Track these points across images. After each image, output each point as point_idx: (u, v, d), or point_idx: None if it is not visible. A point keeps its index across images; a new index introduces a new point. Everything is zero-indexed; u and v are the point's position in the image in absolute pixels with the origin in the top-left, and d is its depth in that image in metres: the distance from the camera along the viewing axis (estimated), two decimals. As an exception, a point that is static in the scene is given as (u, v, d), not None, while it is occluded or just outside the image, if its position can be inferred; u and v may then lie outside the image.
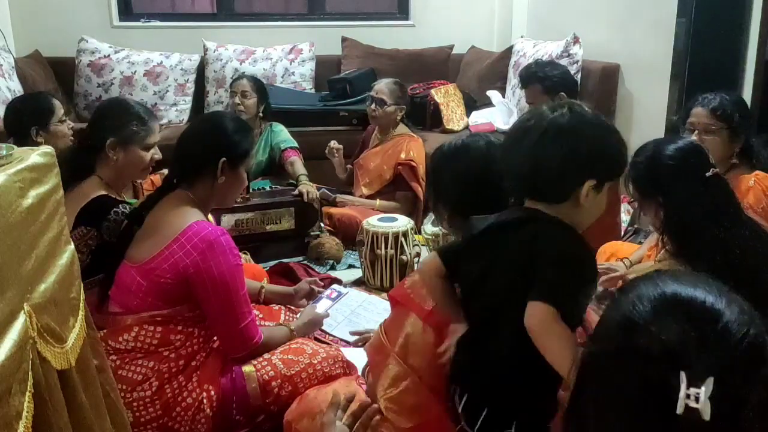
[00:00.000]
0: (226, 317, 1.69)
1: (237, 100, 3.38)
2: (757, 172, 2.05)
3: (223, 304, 1.67)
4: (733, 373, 0.73)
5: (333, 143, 3.44)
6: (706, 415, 0.69)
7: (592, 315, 1.64)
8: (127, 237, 1.76)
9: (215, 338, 1.78)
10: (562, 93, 2.67)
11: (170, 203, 1.74)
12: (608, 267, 2.25)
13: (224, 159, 1.76)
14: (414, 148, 3.30)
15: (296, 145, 3.46)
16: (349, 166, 3.56)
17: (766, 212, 1.94)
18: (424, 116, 4.14)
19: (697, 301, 0.77)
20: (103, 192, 1.96)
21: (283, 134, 3.49)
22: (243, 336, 1.72)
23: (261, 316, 2.01)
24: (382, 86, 3.34)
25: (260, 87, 3.48)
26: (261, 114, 3.45)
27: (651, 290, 0.80)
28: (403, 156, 3.27)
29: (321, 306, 2.36)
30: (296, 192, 3.09)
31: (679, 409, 0.70)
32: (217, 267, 1.64)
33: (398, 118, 3.37)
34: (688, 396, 0.70)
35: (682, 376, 0.71)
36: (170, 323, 1.68)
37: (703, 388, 0.70)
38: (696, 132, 2.17)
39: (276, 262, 2.85)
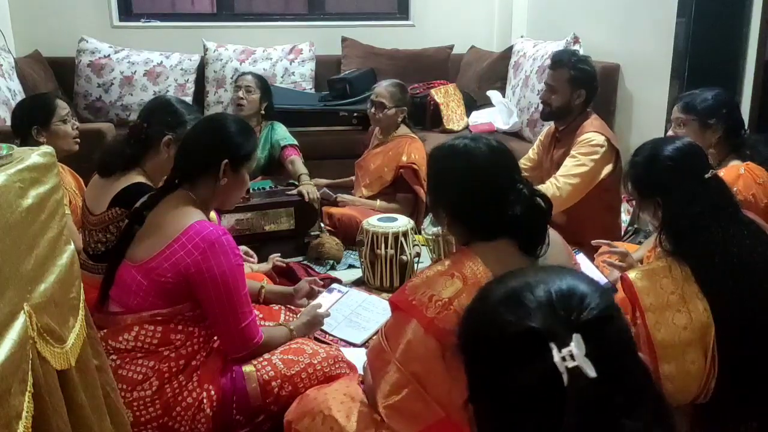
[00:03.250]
0: (227, 317, 1.69)
1: (241, 94, 3.40)
2: (748, 162, 2.09)
3: (224, 303, 1.67)
4: (596, 330, 0.75)
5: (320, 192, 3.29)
6: (592, 371, 0.71)
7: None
8: (128, 237, 1.76)
9: (215, 338, 1.78)
10: (583, 90, 2.66)
11: (172, 203, 1.74)
12: (608, 242, 2.26)
13: (227, 160, 1.76)
14: (415, 150, 3.29)
15: (296, 142, 3.46)
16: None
17: (756, 200, 1.97)
18: (424, 116, 4.14)
19: (544, 283, 0.80)
20: (142, 180, 2.02)
21: (282, 132, 3.49)
22: (244, 336, 1.72)
23: (261, 316, 2.01)
24: (382, 89, 3.33)
25: (264, 85, 3.50)
26: (263, 112, 3.46)
27: (497, 288, 0.83)
28: (404, 159, 3.26)
29: (328, 299, 2.36)
30: (296, 192, 3.09)
31: (564, 377, 0.71)
32: (219, 267, 1.64)
33: (399, 119, 3.36)
34: (563, 359, 0.71)
35: (552, 345, 0.73)
36: (170, 323, 1.68)
37: (572, 344, 0.72)
38: (672, 128, 2.28)
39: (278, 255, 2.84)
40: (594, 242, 2.32)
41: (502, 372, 0.79)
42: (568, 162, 2.62)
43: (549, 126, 2.94)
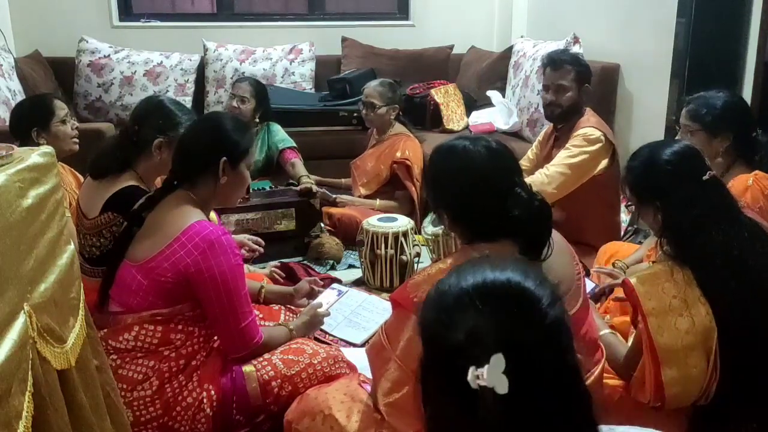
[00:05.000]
0: (227, 317, 1.69)
1: (234, 103, 3.34)
2: (756, 171, 2.05)
3: (224, 303, 1.67)
4: (529, 347, 0.77)
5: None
6: (502, 389, 0.73)
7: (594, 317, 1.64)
8: (127, 238, 1.76)
9: (216, 338, 1.78)
10: (588, 85, 2.67)
11: (172, 203, 1.74)
12: (609, 272, 2.25)
13: (225, 158, 1.76)
14: (410, 147, 3.30)
15: (294, 144, 3.46)
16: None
17: (763, 212, 1.94)
18: (424, 116, 4.14)
19: (489, 283, 0.82)
20: (134, 183, 2.00)
21: (280, 133, 3.48)
22: (244, 336, 1.72)
23: (261, 316, 2.00)
24: (371, 90, 3.34)
25: (260, 92, 3.42)
26: (257, 120, 3.41)
27: (452, 285, 0.84)
28: (398, 155, 3.27)
29: (327, 297, 2.37)
30: (299, 189, 3.09)
31: (480, 392, 0.74)
32: (218, 266, 1.64)
33: (392, 117, 3.37)
34: (477, 377, 0.74)
35: (472, 361, 0.75)
36: (170, 322, 1.68)
37: (486, 367, 0.74)
38: (680, 132, 2.21)
39: (276, 262, 2.85)
40: (594, 270, 2.32)
41: (429, 368, 0.84)
42: (561, 153, 2.63)
43: (548, 126, 2.94)
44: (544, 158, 2.85)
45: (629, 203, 1.81)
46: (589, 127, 2.63)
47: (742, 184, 1.99)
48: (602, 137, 2.61)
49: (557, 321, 0.80)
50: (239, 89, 3.38)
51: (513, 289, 0.81)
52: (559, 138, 2.79)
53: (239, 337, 1.71)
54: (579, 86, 2.65)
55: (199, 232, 1.65)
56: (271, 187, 3.30)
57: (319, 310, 2.04)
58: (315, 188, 3.09)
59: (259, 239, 2.51)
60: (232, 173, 1.79)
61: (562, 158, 2.61)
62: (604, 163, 2.64)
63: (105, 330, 1.67)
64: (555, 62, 2.69)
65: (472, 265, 0.86)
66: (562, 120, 2.76)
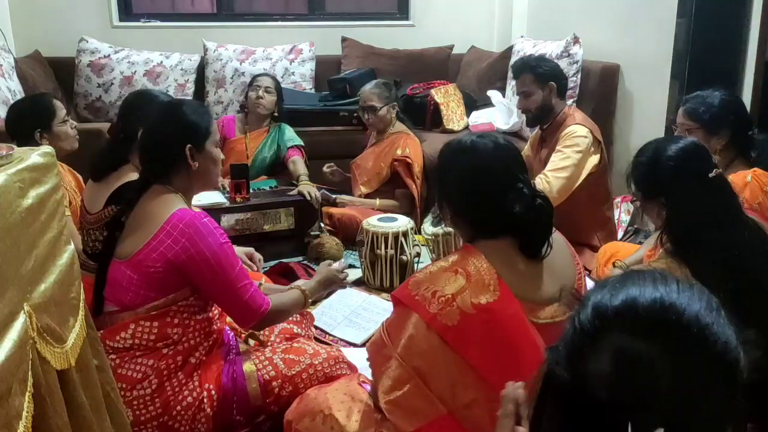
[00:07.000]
0: (229, 293, 1.69)
1: (260, 93, 3.45)
2: (755, 168, 2.06)
3: (222, 282, 1.67)
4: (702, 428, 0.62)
5: (326, 168, 3.52)
6: None
7: None
8: (112, 242, 1.75)
9: (214, 334, 1.79)
10: (552, 83, 2.69)
11: (151, 198, 1.73)
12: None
13: (189, 145, 1.74)
14: (410, 145, 3.31)
15: (301, 143, 3.51)
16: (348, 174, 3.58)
17: (762, 208, 1.95)
18: (424, 116, 4.14)
19: (656, 312, 0.63)
20: (135, 177, 2.01)
21: (290, 133, 3.55)
22: (250, 307, 1.72)
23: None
24: (368, 93, 3.36)
25: (278, 87, 3.58)
26: (276, 114, 3.54)
27: (603, 300, 0.68)
28: (399, 152, 3.28)
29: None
30: (296, 192, 3.10)
31: None
32: (208, 248, 1.65)
33: (392, 115, 3.39)
34: None
35: (629, 427, 0.62)
36: (166, 316, 1.68)
37: None
38: (677, 132, 2.23)
39: (276, 262, 2.85)
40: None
41: (562, 390, 0.69)
42: (554, 157, 2.65)
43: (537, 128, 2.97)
44: (537, 161, 2.87)
45: (634, 199, 1.81)
46: (575, 125, 2.67)
47: (741, 181, 1.99)
48: (589, 134, 2.64)
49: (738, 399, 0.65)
50: (263, 81, 3.51)
51: (711, 346, 0.64)
52: (545, 139, 2.83)
53: (246, 310, 1.72)
54: (542, 87, 2.71)
55: (182, 218, 1.65)
56: (272, 187, 3.30)
57: (333, 265, 2.02)
58: (312, 194, 3.08)
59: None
60: (200, 156, 1.76)
61: (557, 162, 2.63)
62: (595, 158, 2.67)
63: (102, 330, 1.67)
64: (515, 72, 2.82)
65: (651, 279, 0.69)
66: (537, 122, 2.83)
